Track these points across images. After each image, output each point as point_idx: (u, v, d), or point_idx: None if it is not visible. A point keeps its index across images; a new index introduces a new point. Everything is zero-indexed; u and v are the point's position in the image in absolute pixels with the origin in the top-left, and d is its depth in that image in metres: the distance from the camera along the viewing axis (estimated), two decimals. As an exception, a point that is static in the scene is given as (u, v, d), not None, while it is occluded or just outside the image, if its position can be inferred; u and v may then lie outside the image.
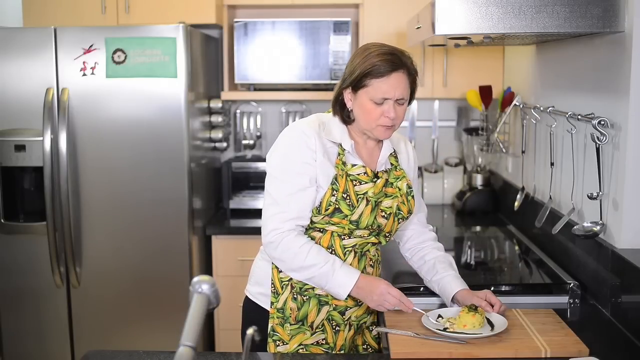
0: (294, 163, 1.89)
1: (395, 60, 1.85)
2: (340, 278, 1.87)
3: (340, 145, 1.93)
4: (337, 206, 1.89)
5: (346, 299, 1.92)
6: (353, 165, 1.93)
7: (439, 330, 1.82)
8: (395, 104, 1.87)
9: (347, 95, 1.92)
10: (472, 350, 1.73)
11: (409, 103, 1.93)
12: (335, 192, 1.89)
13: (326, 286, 1.89)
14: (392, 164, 2.02)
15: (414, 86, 1.92)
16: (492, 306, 1.93)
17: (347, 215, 1.89)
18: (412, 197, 2.02)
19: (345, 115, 1.95)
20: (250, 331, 1.29)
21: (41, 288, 3.24)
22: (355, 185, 1.91)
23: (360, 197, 1.91)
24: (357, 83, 1.87)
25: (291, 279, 1.95)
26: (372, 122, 1.89)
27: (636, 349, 1.80)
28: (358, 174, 1.93)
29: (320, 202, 1.89)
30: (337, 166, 1.91)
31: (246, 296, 2.07)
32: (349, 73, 1.90)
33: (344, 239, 1.94)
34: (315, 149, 1.89)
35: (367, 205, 1.91)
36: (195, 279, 1.25)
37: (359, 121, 1.93)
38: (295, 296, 1.96)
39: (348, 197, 1.90)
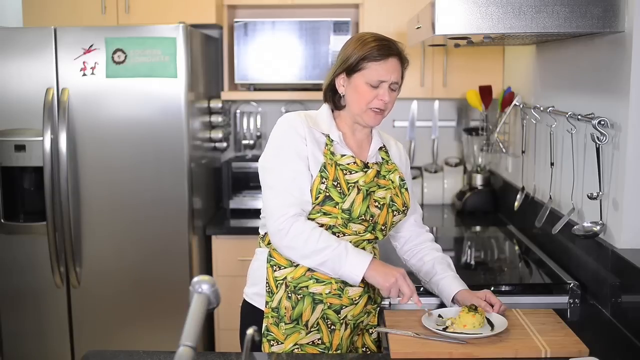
0: (289, 150, 1.91)
1: (391, 46, 1.92)
2: (354, 259, 1.87)
3: (328, 136, 1.95)
4: (327, 194, 1.89)
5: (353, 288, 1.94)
6: (342, 156, 1.95)
7: (439, 330, 1.83)
8: (388, 88, 1.91)
9: (340, 80, 1.96)
10: (472, 350, 1.73)
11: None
12: (324, 179, 1.90)
13: (340, 269, 1.87)
14: (383, 158, 2.04)
15: (403, 76, 1.97)
16: (492, 306, 1.93)
17: (338, 203, 1.90)
18: (406, 189, 2.04)
19: (337, 99, 1.99)
20: (250, 331, 1.29)
21: (41, 288, 3.24)
22: (346, 174, 1.93)
23: (351, 186, 1.92)
24: (353, 67, 1.91)
25: (285, 277, 1.95)
26: (364, 105, 1.92)
27: (636, 349, 1.80)
28: (348, 164, 1.95)
29: (310, 190, 1.90)
30: (325, 155, 1.93)
31: (244, 299, 2.07)
32: (343, 59, 1.94)
33: (338, 236, 1.93)
34: (305, 135, 1.92)
35: (358, 193, 1.92)
36: (195, 279, 1.25)
37: (350, 106, 1.96)
38: (289, 295, 1.95)
39: (339, 185, 1.91)
